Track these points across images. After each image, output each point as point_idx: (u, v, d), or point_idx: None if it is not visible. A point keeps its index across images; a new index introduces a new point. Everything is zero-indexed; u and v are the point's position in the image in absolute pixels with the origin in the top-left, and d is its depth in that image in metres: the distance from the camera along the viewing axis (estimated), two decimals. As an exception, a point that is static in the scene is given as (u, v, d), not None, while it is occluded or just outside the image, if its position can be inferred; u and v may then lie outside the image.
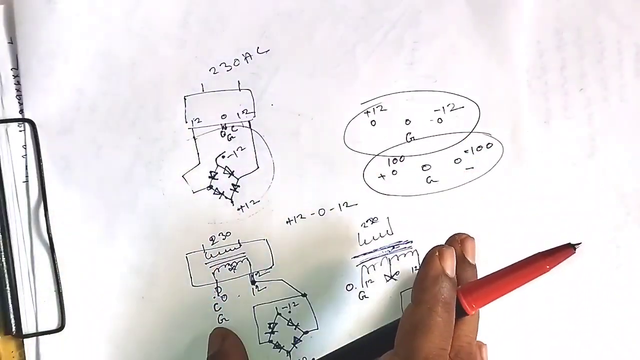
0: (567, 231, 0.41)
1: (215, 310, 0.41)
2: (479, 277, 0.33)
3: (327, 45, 0.41)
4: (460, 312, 0.31)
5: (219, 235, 0.41)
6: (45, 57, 0.40)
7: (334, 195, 0.41)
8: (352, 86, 0.41)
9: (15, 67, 0.40)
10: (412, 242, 0.42)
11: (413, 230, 0.42)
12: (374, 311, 0.41)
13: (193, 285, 0.41)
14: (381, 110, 0.41)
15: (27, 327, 0.40)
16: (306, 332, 0.41)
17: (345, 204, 0.41)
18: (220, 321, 0.41)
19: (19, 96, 0.40)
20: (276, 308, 0.41)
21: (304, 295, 0.41)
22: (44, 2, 0.40)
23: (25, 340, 0.40)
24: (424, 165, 0.42)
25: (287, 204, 0.41)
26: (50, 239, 0.40)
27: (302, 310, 0.41)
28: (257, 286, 0.41)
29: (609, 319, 0.42)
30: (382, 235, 0.42)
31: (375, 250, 0.42)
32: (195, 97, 0.41)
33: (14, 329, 0.40)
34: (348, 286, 0.41)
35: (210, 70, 0.41)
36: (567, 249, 0.29)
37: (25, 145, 0.41)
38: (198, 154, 0.41)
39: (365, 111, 0.41)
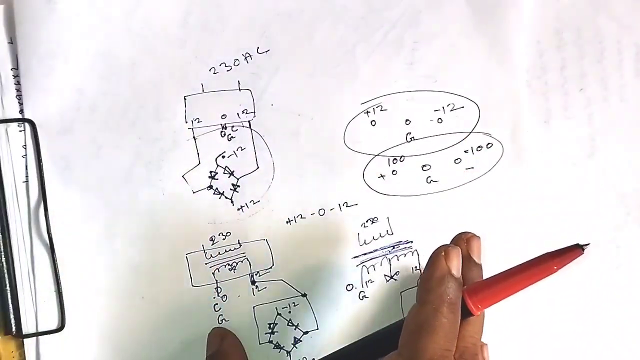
0: (567, 231, 0.41)
1: (215, 311, 0.41)
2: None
3: (327, 45, 0.41)
4: (466, 313, 0.30)
5: (219, 235, 0.41)
6: (45, 57, 0.40)
7: (334, 195, 0.41)
8: (352, 86, 0.41)
9: (15, 67, 0.40)
10: (412, 242, 0.42)
11: (413, 230, 0.42)
12: (374, 311, 0.41)
13: (193, 286, 0.41)
14: (381, 110, 0.41)
15: (27, 327, 0.40)
16: (306, 332, 0.41)
17: (345, 204, 0.41)
18: (220, 321, 0.41)
19: (19, 96, 0.40)
20: (276, 308, 0.41)
21: (304, 295, 0.41)
22: (44, 2, 0.40)
23: (25, 340, 0.40)
24: (424, 165, 0.42)
25: (287, 204, 0.41)
26: (50, 239, 0.40)
27: (302, 310, 0.41)
28: (257, 286, 0.41)
29: (609, 319, 0.42)
30: (382, 235, 0.42)
31: (375, 250, 0.42)
32: (195, 97, 0.41)
33: (14, 329, 0.39)
34: (348, 286, 0.41)
35: (210, 70, 0.41)
36: (575, 250, 0.29)
37: (25, 145, 0.41)
38: (198, 154, 0.41)
39: (365, 111, 0.41)
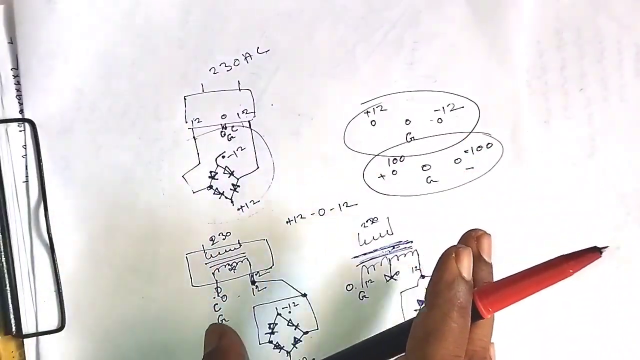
0: (567, 231, 0.41)
1: (215, 311, 0.41)
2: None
3: (327, 45, 0.41)
4: (476, 316, 0.29)
5: (219, 235, 0.41)
6: (45, 57, 0.40)
7: (334, 195, 0.41)
8: (352, 86, 0.41)
9: (15, 67, 0.40)
10: (412, 242, 0.42)
11: (413, 230, 0.42)
12: (374, 311, 0.41)
13: (193, 286, 0.41)
14: (381, 110, 0.41)
15: (27, 327, 0.40)
16: (306, 333, 0.41)
17: (345, 204, 0.41)
18: (220, 321, 0.41)
19: (19, 96, 0.40)
20: (276, 308, 0.41)
21: (304, 295, 0.41)
22: (44, 2, 0.40)
23: (25, 340, 0.40)
24: (424, 165, 0.42)
25: (287, 204, 0.41)
26: (50, 239, 0.40)
27: (302, 310, 0.41)
28: (257, 286, 0.41)
29: (609, 319, 0.42)
30: (382, 235, 0.42)
31: (375, 250, 0.42)
32: (195, 97, 0.41)
33: (14, 329, 0.39)
34: (348, 286, 0.41)
35: (210, 70, 0.41)
36: (593, 253, 0.27)
37: (25, 145, 0.41)
38: (198, 154, 0.41)
39: (365, 111, 0.41)
